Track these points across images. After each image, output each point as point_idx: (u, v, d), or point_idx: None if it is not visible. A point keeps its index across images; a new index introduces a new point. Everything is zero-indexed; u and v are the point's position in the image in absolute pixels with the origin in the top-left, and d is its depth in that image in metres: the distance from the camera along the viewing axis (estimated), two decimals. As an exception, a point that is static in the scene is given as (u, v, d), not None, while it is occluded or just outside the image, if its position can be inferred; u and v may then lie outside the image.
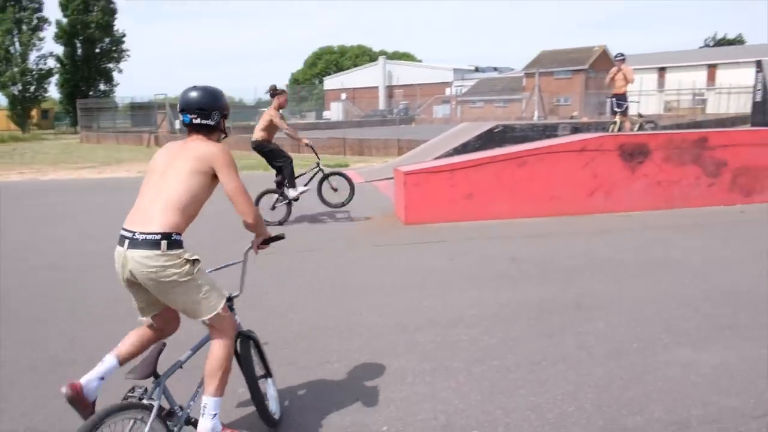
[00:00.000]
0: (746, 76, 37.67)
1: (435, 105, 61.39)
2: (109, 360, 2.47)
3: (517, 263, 5.52)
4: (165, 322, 2.59)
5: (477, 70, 74.06)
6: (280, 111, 7.50)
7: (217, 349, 2.45)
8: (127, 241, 2.28)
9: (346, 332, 3.97)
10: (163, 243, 2.27)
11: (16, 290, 5.08)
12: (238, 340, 2.65)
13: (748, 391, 3.01)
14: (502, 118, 45.89)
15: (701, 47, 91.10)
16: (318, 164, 7.96)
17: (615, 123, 11.55)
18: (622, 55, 11.78)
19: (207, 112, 2.55)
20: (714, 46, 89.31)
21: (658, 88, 59.02)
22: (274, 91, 7.50)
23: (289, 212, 7.69)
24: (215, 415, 2.39)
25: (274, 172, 7.85)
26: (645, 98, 44.38)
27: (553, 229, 6.86)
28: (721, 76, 60.40)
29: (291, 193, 7.58)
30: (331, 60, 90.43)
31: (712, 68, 65.17)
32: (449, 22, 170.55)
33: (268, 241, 2.73)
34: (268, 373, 2.91)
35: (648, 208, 7.67)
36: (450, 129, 14.43)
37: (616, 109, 11.70)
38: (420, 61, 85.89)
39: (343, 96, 71.23)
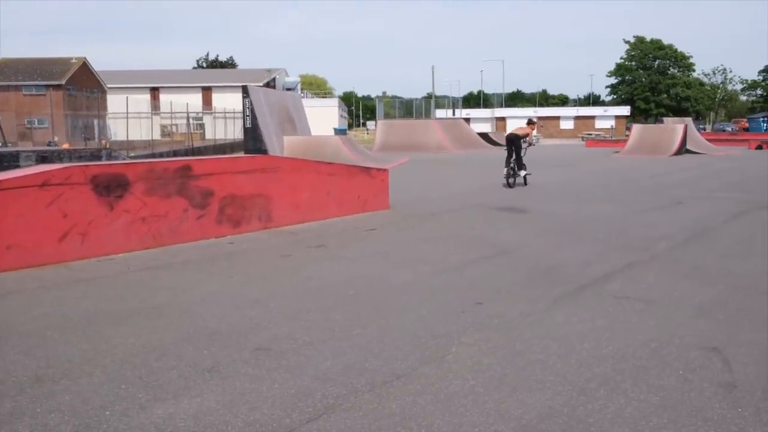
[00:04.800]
0: (239, 101, 43.38)
1: None
2: None
3: (-42, 340, 4.95)
4: None
5: None
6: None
7: None
8: None
9: None
10: None
11: None
12: None
13: (223, 432, 3.42)
14: (-47, 145, 40.76)
15: (195, 68, 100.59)
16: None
17: None
18: None
19: None
20: (207, 67, 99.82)
21: (152, 111, 62.21)
22: (531, 121, 18.61)
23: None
24: None
25: None
26: (139, 122, 46.19)
27: (13, 287, 6.40)
28: (216, 100, 67.88)
29: (522, 172, 16.82)
30: None
31: (207, 91, 72.71)
32: None
33: None
34: None
35: (134, 248, 7.94)
36: None
37: None
38: None
39: None
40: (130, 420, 3.59)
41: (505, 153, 17.06)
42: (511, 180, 16.43)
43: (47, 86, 52.73)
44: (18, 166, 10.87)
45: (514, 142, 16.74)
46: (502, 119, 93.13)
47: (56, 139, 42.35)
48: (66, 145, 32.86)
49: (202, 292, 6.28)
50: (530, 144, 17.89)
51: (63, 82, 53.15)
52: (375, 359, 4.44)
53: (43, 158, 12.07)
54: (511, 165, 16.53)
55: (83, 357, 4.55)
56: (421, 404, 3.75)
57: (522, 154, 16.95)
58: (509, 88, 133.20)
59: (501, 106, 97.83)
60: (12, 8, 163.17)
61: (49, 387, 4.04)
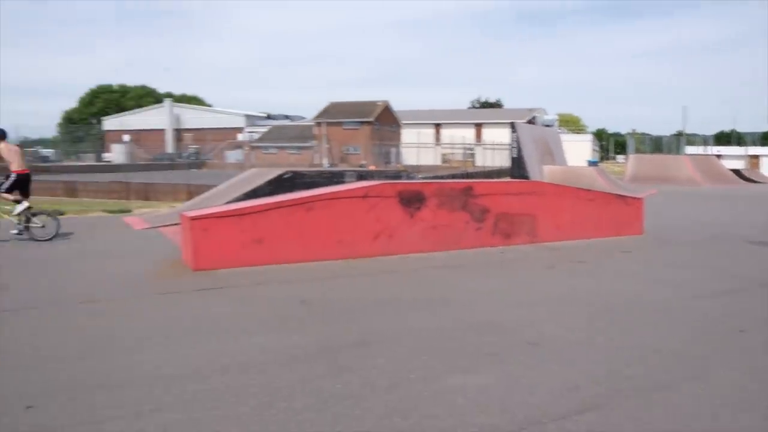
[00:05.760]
0: (504, 135, 43.57)
1: (227, 150, 60.54)
2: None
3: (307, 305, 5.64)
4: None
5: (269, 117, 74.76)
6: None
7: None
8: None
9: (126, 387, 3.68)
10: None
11: None
12: None
13: (504, 410, 3.43)
14: (295, 164, 46.89)
15: (469, 107, 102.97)
16: None
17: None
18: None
19: None
20: (479, 107, 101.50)
21: (435, 142, 65.21)
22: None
23: None
24: None
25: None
26: (425, 150, 48.77)
27: (341, 271, 7.14)
28: (485, 134, 68.86)
29: None
30: (112, 99, 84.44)
31: (478, 126, 74.02)
32: (240, 68, 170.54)
33: None
34: None
35: (426, 250, 8.37)
36: (240, 174, 14.33)
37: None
38: (210, 105, 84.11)
39: (126, 138, 66.70)
40: (429, 385, 3.78)
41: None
42: None
43: (360, 122, 58.00)
44: (343, 182, 12.08)
45: None
46: (756, 157, 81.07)
47: (365, 162, 46.34)
48: (372, 167, 35.84)
49: (480, 290, 6.40)
50: None
51: (372, 119, 58.00)
52: (637, 367, 4.13)
53: (360, 176, 13.25)
54: None
55: (392, 330, 4.90)
56: (684, 414, 3.41)
57: None
58: (765, 127, 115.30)
59: (754, 145, 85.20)
60: (338, 64, 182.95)
61: (369, 350, 4.43)
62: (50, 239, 9.35)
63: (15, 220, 9.40)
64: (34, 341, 4.60)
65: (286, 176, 12.18)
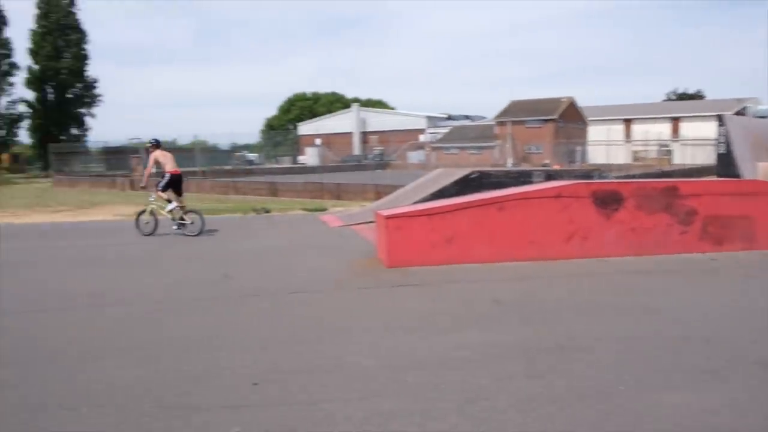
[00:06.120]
0: (707, 129, 39.34)
1: (409, 151, 62.36)
2: None
3: (500, 305, 5.59)
4: None
5: (450, 117, 75.54)
6: None
7: None
8: None
9: (334, 374, 3.96)
10: None
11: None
12: None
13: (734, 432, 3.09)
14: (476, 164, 46.87)
15: (664, 100, 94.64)
16: None
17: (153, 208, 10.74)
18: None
19: None
20: (676, 99, 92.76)
21: (625, 139, 60.99)
22: None
23: None
24: None
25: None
26: (615, 148, 45.86)
27: (533, 272, 6.97)
28: (684, 129, 62.78)
29: None
30: (305, 106, 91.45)
31: (675, 121, 67.76)
32: (421, 70, 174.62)
33: None
34: None
35: (624, 253, 7.84)
36: (426, 175, 14.67)
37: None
38: (393, 108, 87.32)
39: (318, 141, 71.88)
40: (642, 399, 3.51)
41: None
42: None
43: (543, 120, 56.21)
44: (531, 182, 11.79)
45: None
46: None
47: (548, 161, 44.87)
48: (556, 166, 34.60)
49: (690, 300, 5.82)
50: None
51: (555, 116, 55.91)
52: None
53: (548, 176, 12.81)
54: None
55: (594, 336, 4.66)
56: None
57: None
58: None
59: None
60: (520, 61, 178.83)
61: (570, 354, 4.25)
62: (197, 234, 10.55)
63: (170, 216, 10.73)
64: (256, 325, 5.15)
65: (472, 176, 12.21)
